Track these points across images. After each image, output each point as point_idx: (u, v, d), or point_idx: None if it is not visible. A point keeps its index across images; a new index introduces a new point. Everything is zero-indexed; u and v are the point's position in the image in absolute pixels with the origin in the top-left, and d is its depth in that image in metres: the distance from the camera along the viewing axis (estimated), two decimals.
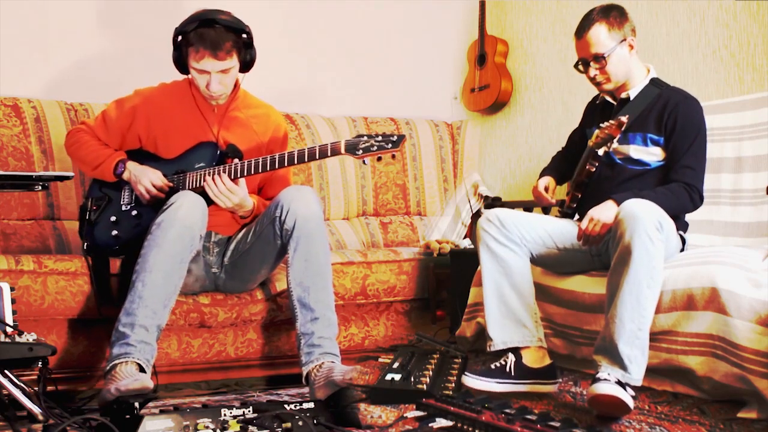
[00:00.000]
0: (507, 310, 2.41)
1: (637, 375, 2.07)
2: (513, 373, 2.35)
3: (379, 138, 2.34)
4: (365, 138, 2.35)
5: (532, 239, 2.48)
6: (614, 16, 2.47)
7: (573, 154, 2.77)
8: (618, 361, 2.07)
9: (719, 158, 2.84)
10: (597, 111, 2.68)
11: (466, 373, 2.37)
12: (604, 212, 2.30)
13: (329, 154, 2.38)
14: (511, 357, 2.37)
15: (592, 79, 2.53)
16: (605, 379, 2.04)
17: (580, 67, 2.54)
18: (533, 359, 2.37)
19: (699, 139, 2.44)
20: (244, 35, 2.51)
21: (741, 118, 2.83)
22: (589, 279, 2.55)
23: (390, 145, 2.33)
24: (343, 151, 2.36)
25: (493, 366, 2.38)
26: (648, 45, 3.30)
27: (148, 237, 2.32)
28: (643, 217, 2.09)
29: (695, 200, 2.41)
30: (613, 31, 2.46)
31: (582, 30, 2.49)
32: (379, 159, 2.34)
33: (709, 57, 3.08)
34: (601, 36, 2.45)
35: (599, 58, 2.46)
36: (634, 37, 2.50)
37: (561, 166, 2.80)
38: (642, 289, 2.07)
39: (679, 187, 2.38)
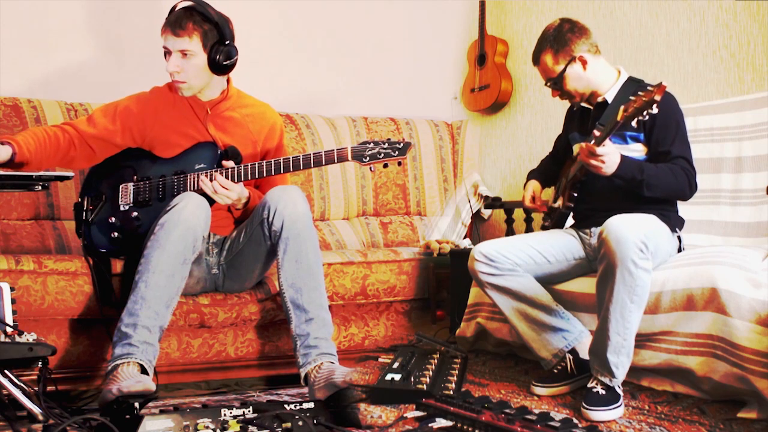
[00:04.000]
0: (539, 325, 2.48)
1: (622, 376, 2.21)
2: (576, 371, 2.43)
3: (386, 145, 2.37)
4: (371, 145, 2.38)
5: (523, 261, 2.51)
6: (559, 41, 2.49)
7: (560, 159, 2.78)
8: (607, 368, 2.19)
9: (719, 158, 2.84)
10: (576, 117, 2.68)
11: (534, 383, 2.45)
12: (610, 161, 2.27)
13: (336, 160, 2.41)
14: (569, 356, 2.45)
15: (559, 96, 2.58)
16: (599, 400, 2.17)
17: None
18: (587, 351, 2.42)
19: (680, 130, 2.43)
20: (208, 23, 2.51)
21: (741, 118, 2.83)
22: (589, 280, 2.55)
23: (396, 153, 2.37)
24: (350, 157, 2.39)
25: (555, 371, 2.46)
26: (648, 45, 3.30)
27: (151, 237, 2.32)
28: (626, 241, 2.09)
29: (692, 186, 2.39)
30: (559, 56, 2.49)
31: (535, 59, 2.57)
32: (386, 166, 2.39)
33: (709, 57, 3.08)
34: (548, 64, 2.53)
35: (553, 82, 2.53)
36: (589, 50, 2.49)
37: (548, 169, 2.83)
38: (625, 305, 2.13)
39: (678, 169, 2.37)
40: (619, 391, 2.21)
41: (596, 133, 2.33)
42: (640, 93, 2.12)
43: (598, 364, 2.21)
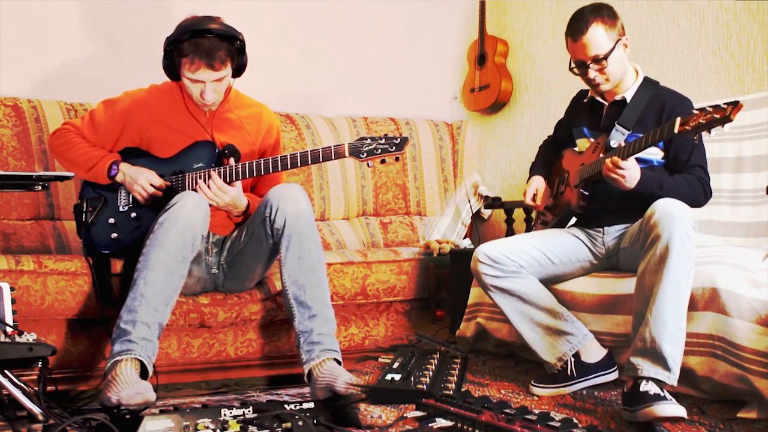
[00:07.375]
0: (543, 329, 2.47)
1: (677, 375, 2.03)
2: (575, 374, 2.41)
3: (383, 141, 2.36)
4: (369, 141, 2.37)
5: (527, 263, 2.49)
6: (607, 14, 2.40)
7: (561, 146, 2.77)
8: (661, 362, 2.01)
9: (719, 158, 2.84)
10: (585, 110, 2.64)
11: (532, 383, 2.44)
12: (631, 176, 2.27)
13: (333, 157, 2.40)
14: (571, 359, 2.43)
15: (591, 81, 2.46)
16: (661, 397, 1.97)
17: (576, 69, 2.47)
18: (589, 354, 2.42)
19: (699, 138, 2.39)
20: (237, 42, 2.50)
21: (741, 118, 2.78)
22: (589, 279, 2.55)
23: (393, 148, 2.36)
24: (347, 154, 2.38)
25: (555, 371, 2.44)
26: (648, 45, 3.30)
27: (150, 236, 2.32)
28: (680, 216, 2.05)
29: (707, 194, 2.39)
30: (609, 31, 2.38)
31: (578, 32, 2.39)
32: (383, 162, 2.38)
33: (709, 57, 3.08)
34: (599, 37, 2.37)
35: (599, 60, 2.40)
36: (624, 35, 2.45)
37: (551, 161, 2.80)
38: (682, 288, 2.04)
39: (694, 179, 2.37)
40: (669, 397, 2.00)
41: (621, 142, 2.31)
42: (709, 108, 2.02)
43: (650, 359, 2.02)
